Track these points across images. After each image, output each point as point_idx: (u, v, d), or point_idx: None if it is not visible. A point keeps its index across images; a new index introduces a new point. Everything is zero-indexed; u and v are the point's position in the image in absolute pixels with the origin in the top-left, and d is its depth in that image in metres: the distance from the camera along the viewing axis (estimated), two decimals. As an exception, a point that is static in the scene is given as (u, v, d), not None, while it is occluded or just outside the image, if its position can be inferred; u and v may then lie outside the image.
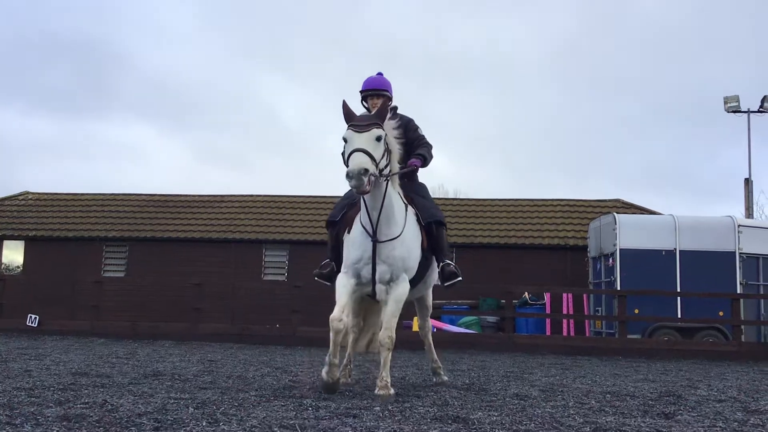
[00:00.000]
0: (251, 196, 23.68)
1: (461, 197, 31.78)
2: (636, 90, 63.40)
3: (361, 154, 5.05)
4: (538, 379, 7.14)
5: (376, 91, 6.21)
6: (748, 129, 26.75)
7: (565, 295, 17.75)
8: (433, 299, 16.95)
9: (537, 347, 12.30)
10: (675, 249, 15.25)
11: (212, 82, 68.85)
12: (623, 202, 21.68)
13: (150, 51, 68.81)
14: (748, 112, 26.89)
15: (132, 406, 4.34)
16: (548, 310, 17.61)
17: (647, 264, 15.27)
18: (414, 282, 5.72)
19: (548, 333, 17.17)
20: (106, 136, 66.48)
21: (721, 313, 14.62)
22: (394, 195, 5.45)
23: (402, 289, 5.51)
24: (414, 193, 5.95)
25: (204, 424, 3.75)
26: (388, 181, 5.32)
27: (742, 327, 13.63)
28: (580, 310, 17.65)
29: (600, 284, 16.52)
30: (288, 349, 11.30)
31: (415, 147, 6.06)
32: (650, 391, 6.33)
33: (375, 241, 5.37)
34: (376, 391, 5.31)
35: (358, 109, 5.98)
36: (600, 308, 16.37)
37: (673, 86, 60.07)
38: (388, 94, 6.24)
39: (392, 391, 5.31)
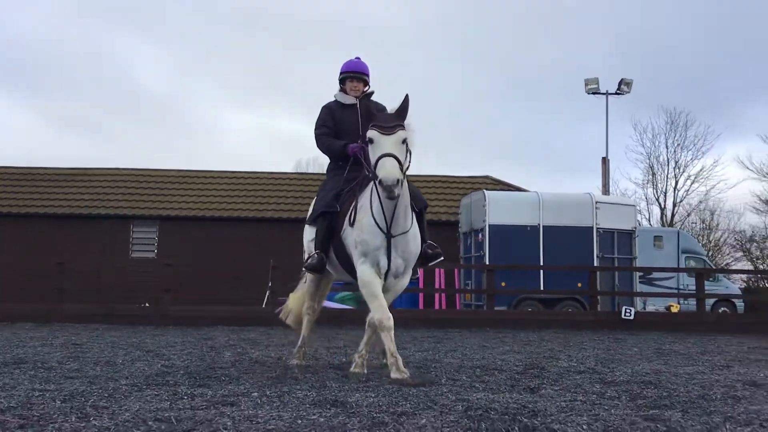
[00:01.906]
0: (118, 169, 22.70)
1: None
2: (503, 64, 65.20)
3: (392, 160, 5.01)
4: (412, 355, 7.34)
5: (356, 74, 6.17)
6: (606, 110, 28.39)
7: (437, 269, 18.25)
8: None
9: (410, 321, 12.60)
10: (539, 225, 16.04)
11: (58, 42, 64.09)
12: (492, 179, 22.49)
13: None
14: (607, 94, 28.51)
15: (-8, 401, 4.09)
16: (421, 285, 18.04)
17: (514, 239, 15.99)
18: None
19: (421, 307, 17.63)
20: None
21: (579, 285, 15.57)
22: (406, 191, 5.37)
23: (405, 282, 5.65)
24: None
25: (73, 419, 3.60)
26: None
27: (599, 297, 14.59)
28: (452, 285, 18.26)
29: (470, 259, 17.13)
30: (158, 330, 10.98)
31: None
32: (516, 363, 6.66)
33: (389, 236, 5.34)
34: (351, 369, 5.61)
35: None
36: (470, 282, 17.00)
37: (541, 64, 62.38)
38: (366, 78, 6.20)
39: (365, 370, 5.60)
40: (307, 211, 6.50)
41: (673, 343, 9.65)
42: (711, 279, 21.82)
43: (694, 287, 17.29)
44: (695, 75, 54.37)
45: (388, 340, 5.30)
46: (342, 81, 6.27)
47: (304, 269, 6.26)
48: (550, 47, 62.15)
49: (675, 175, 38.62)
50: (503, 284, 15.39)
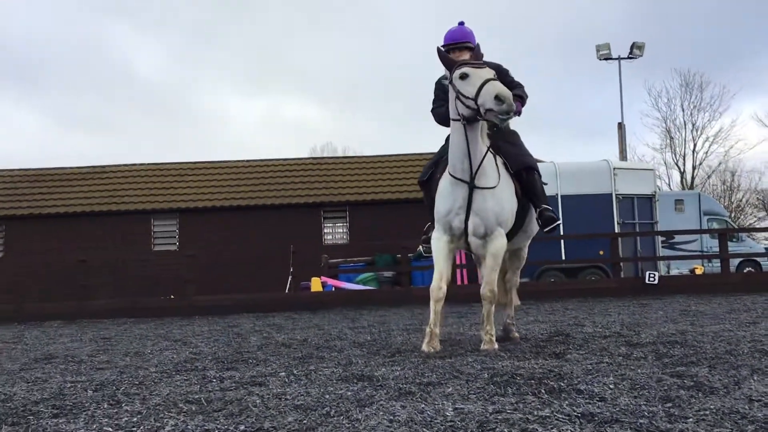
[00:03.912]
0: (134, 165, 22.86)
1: (350, 155, 31.84)
2: (514, 31, 64.31)
3: (498, 83, 4.87)
4: (436, 330, 7.35)
5: (460, 44, 5.86)
6: (619, 76, 28.06)
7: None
8: (331, 259, 16.83)
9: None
10: (557, 194, 15.94)
11: (57, 39, 63.86)
12: (507, 152, 22.36)
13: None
14: (619, 59, 28.16)
15: (26, 393, 4.17)
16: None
17: (533, 210, 15.90)
18: (512, 233, 5.60)
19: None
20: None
21: (601, 252, 15.49)
22: (483, 143, 5.27)
23: (499, 243, 5.36)
24: (503, 141, 5.63)
25: (105, 406, 3.66)
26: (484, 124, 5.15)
27: (621, 264, 14.52)
28: (472, 259, 18.20)
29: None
30: (185, 320, 11.10)
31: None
32: (540, 332, 6.66)
33: (473, 186, 5.18)
34: (481, 346, 5.32)
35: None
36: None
37: (550, 31, 61.57)
38: (471, 45, 5.89)
39: (496, 345, 5.32)
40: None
41: (699, 305, 9.59)
42: (734, 239, 21.65)
43: (717, 249, 17.14)
44: (707, 34, 53.54)
45: (432, 312, 5.26)
46: (447, 53, 5.99)
47: (422, 245, 6.06)
48: (560, 12, 61.24)
49: (693, 137, 38.25)
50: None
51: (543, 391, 3.50)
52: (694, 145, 38.24)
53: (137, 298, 13.95)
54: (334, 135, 73.25)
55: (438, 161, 5.76)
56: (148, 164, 22.83)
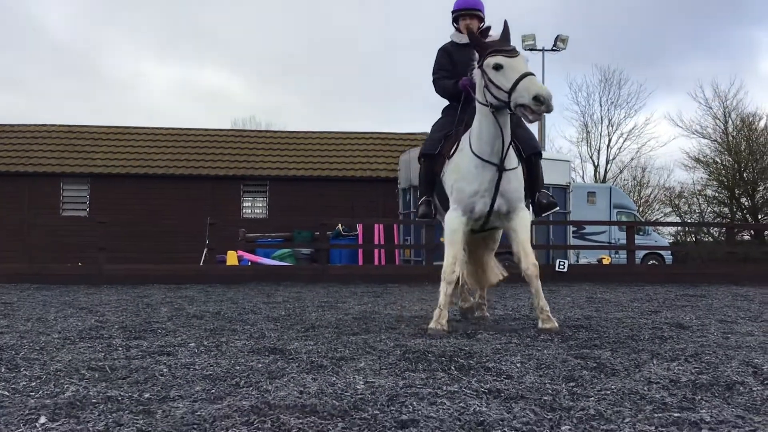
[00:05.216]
0: (45, 125, 21.88)
1: (273, 129, 31.45)
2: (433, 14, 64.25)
3: (536, 77, 4.71)
4: (351, 308, 7.38)
5: (469, 10, 5.76)
6: (542, 67, 28.68)
7: (376, 225, 18.34)
8: (249, 233, 16.69)
9: (350, 277, 12.66)
10: None
11: None
12: (431, 136, 22.56)
13: None
14: (543, 50, 28.76)
15: None
16: (360, 241, 18.12)
17: (452, 194, 16.11)
18: None
19: (360, 263, 17.72)
20: None
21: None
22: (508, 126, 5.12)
23: (526, 214, 5.30)
24: (515, 125, 5.43)
25: (2, 370, 3.50)
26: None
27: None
28: (391, 240, 18.36)
29: (409, 215, 17.23)
30: (93, 289, 10.74)
31: None
32: (453, 313, 6.76)
33: (502, 169, 5.08)
34: (540, 325, 5.16)
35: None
36: (409, 237, 17.12)
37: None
38: (481, 14, 5.79)
39: (556, 323, 5.18)
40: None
41: (605, 293, 9.97)
42: (641, 233, 22.56)
43: (624, 241, 17.83)
44: (629, 33, 55.31)
45: (443, 293, 5.18)
46: (455, 20, 5.91)
47: (417, 218, 5.96)
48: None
49: (608, 132, 39.48)
50: (442, 239, 15.54)
51: (453, 368, 3.56)
52: (609, 140, 39.54)
53: (43, 264, 13.40)
54: (256, 109, 71.76)
55: (448, 135, 5.59)
56: (60, 125, 21.88)
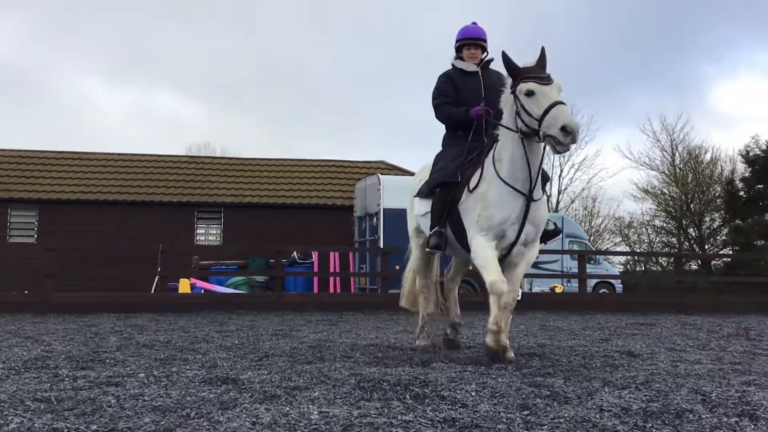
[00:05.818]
0: (-9, 150, 21.34)
1: (229, 156, 31.28)
2: (395, 41, 64.38)
3: (567, 107, 4.65)
4: (306, 336, 7.31)
5: (474, 40, 5.79)
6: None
7: (332, 253, 18.25)
8: (203, 260, 16.44)
9: (305, 305, 12.56)
10: (380, 207, 16.37)
11: None
12: (386, 164, 22.72)
13: None
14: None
15: None
16: (316, 269, 18.01)
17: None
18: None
19: (316, 291, 17.60)
20: None
21: (471, 267, 15.93)
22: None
23: (535, 251, 5.28)
24: None
25: (-60, 404, 3.36)
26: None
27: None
28: (346, 268, 18.28)
29: (365, 242, 17.23)
30: (39, 317, 10.44)
31: None
32: (409, 341, 6.76)
33: (530, 199, 5.01)
34: (488, 342, 5.09)
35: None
36: (365, 265, 17.09)
37: (424, 37, 61.61)
38: (485, 44, 5.81)
39: (512, 353, 5.10)
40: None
41: (557, 321, 10.08)
42: (592, 261, 22.91)
43: (576, 269, 18.08)
44: (579, 65, 56.61)
45: (495, 308, 4.99)
46: (459, 49, 5.91)
47: (427, 248, 5.79)
48: (431, 19, 61.85)
49: (560, 163, 40.17)
50: (397, 267, 15.53)
51: (408, 396, 3.54)
52: (561, 171, 40.23)
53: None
54: (211, 135, 70.82)
55: (463, 164, 5.51)
56: (7, 150, 21.38)
